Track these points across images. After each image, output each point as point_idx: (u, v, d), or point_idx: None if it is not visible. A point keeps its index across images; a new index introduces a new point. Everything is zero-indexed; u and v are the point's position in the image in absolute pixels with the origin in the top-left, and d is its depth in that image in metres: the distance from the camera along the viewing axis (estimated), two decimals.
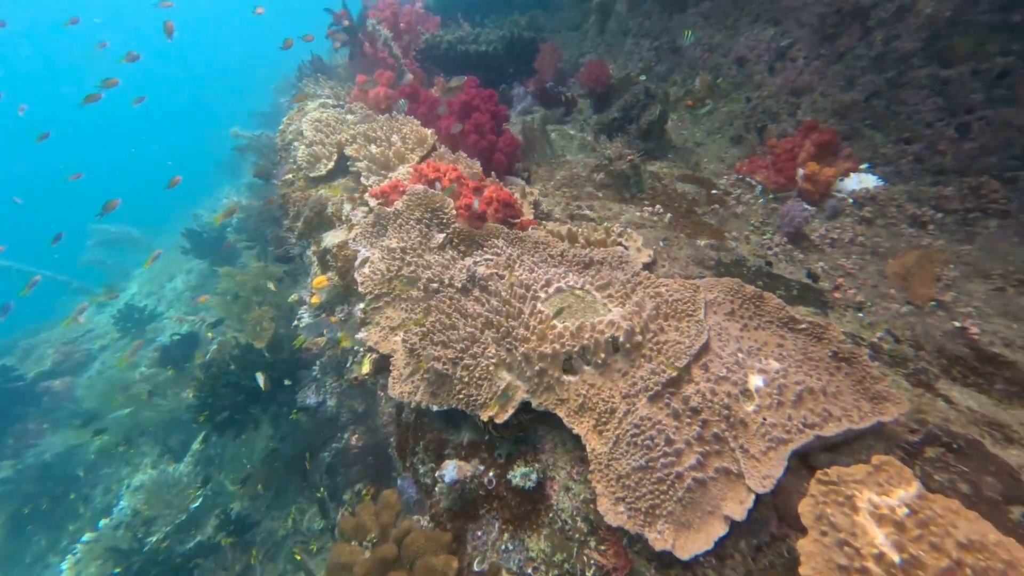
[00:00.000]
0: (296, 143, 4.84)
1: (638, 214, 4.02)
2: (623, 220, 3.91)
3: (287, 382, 4.92)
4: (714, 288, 2.56)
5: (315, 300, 4.06)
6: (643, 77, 7.33)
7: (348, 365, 3.96)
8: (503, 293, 2.83)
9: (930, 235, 3.63)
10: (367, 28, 7.36)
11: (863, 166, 4.42)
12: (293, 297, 5.10)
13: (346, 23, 7.67)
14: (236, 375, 4.67)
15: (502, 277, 3.06)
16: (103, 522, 6.05)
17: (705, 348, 2.17)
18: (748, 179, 4.68)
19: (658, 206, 4.03)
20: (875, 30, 4.72)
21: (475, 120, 4.53)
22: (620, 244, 3.43)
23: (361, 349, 3.79)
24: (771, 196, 4.40)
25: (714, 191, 4.59)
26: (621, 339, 2.33)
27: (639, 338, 2.33)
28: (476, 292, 3.16)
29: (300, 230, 4.33)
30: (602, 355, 2.35)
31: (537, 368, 2.44)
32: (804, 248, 3.64)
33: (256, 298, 5.30)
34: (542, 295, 2.76)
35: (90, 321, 10.39)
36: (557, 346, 2.43)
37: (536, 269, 3.02)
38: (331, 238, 4.14)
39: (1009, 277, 3.19)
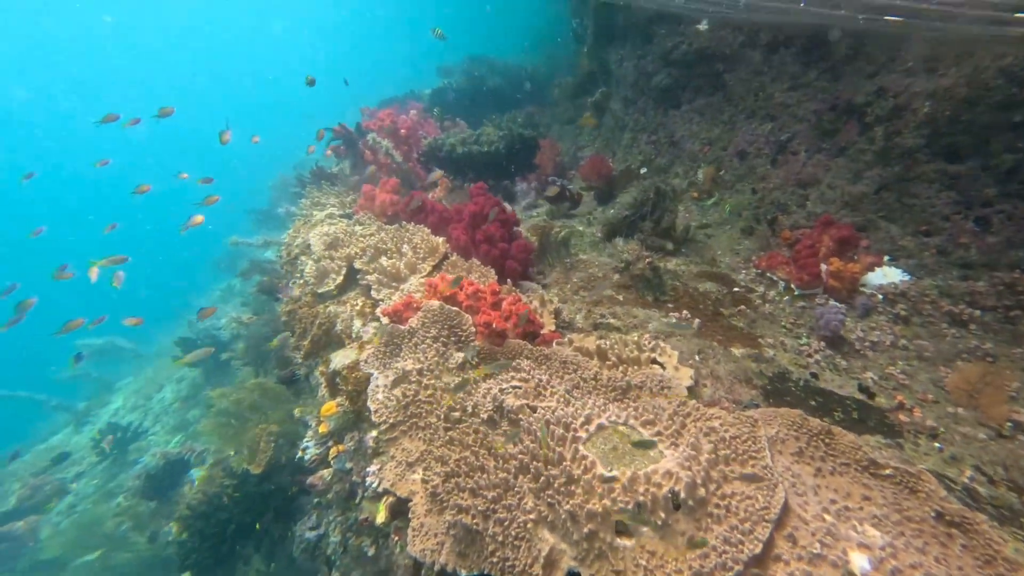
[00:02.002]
0: (303, 257, 4.74)
1: (665, 321, 3.84)
2: (651, 328, 3.73)
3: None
4: (773, 421, 2.32)
5: (323, 428, 3.77)
6: (644, 170, 7.50)
7: (357, 501, 3.60)
8: (538, 433, 2.57)
9: (974, 336, 3.44)
10: (366, 139, 7.59)
11: (884, 258, 4.34)
12: (297, 410, 4.78)
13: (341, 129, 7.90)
14: (229, 510, 4.24)
15: (534, 410, 2.81)
16: None
17: (785, 509, 1.89)
18: (769, 275, 4.58)
19: (685, 312, 3.87)
20: (874, 126, 4.83)
21: (486, 230, 4.47)
22: (654, 359, 3.23)
23: (371, 480, 3.44)
24: (796, 293, 4.26)
25: (736, 289, 4.46)
26: (682, 494, 2.05)
27: (702, 492, 2.05)
28: (505, 426, 2.89)
29: (307, 349, 4.12)
30: (661, 514, 2.06)
31: (586, 530, 2.13)
32: (845, 354, 3.44)
33: (254, 416, 4.97)
34: (583, 435, 2.49)
35: (67, 443, 9.69)
36: (608, 503, 2.14)
37: (572, 401, 2.78)
38: (341, 358, 3.91)
39: None
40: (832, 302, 4.08)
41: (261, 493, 4.49)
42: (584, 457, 2.36)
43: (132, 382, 11.52)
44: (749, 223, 5.67)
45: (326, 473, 3.91)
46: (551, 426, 2.57)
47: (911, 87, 4.54)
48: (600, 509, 2.13)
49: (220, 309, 11.92)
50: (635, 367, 3.14)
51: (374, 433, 3.53)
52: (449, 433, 3.08)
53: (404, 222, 4.89)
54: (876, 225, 4.64)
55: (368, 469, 3.35)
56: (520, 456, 2.56)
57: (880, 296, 4.00)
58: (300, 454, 3.89)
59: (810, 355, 3.40)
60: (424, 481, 2.85)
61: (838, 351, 3.46)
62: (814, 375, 3.15)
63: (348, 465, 3.79)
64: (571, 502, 2.23)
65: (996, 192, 4.02)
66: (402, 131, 7.82)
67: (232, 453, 5.05)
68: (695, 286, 4.51)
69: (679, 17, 7.30)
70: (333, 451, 3.83)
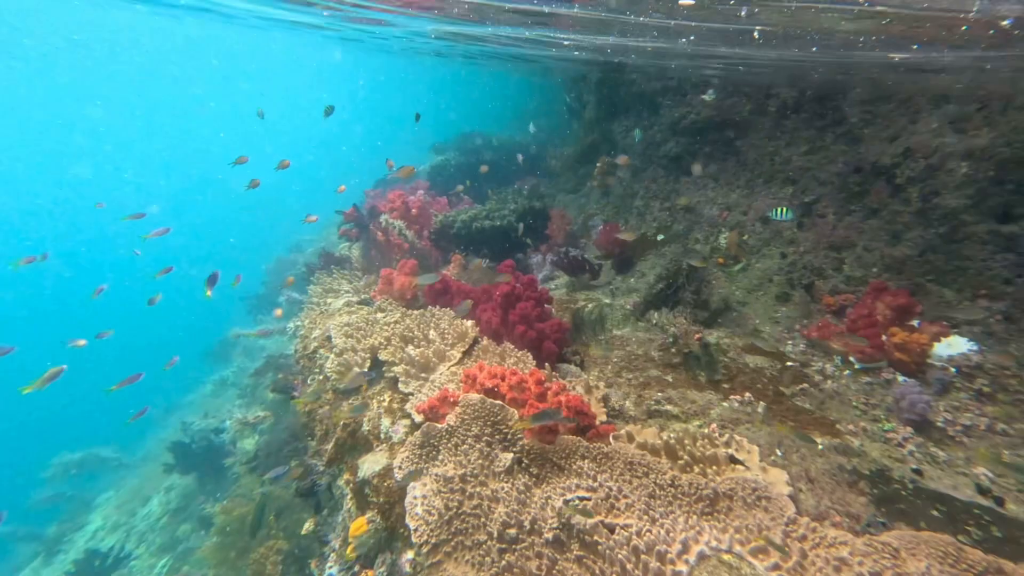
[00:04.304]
0: (322, 351, 4.42)
1: (726, 405, 3.50)
2: (713, 416, 3.38)
3: None
4: (918, 551, 1.94)
5: (351, 552, 3.28)
6: (660, 236, 7.38)
7: None
8: (627, 563, 2.17)
9: None
10: (378, 221, 7.51)
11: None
12: (308, 524, 4.24)
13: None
14: None
15: (612, 530, 2.41)
16: None
17: None
18: (822, 346, 4.29)
19: (748, 395, 3.54)
20: (907, 187, 4.72)
21: (520, 310, 4.21)
22: (731, 456, 2.86)
23: None
24: (858, 367, 3.96)
25: (789, 363, 4.15)
26: None
27: None
28: (577, 548, 2.48)
29: (330, 454, 3.70)
30: None
31: None
32: (938, 441, 3.09)
33: (259, 533, 4.40)
34: (683, 568, 2.10)
35: None
36: None
37: (658, 518, 2.39)
38: (370, 465, 3.50)
39: None
40: (901, 377, 3.78)
41: None
42: None
43: (113, 496, 10.11)
44: (783, 289, 5.45)
45: None
46: (641, 555, 2.17)
47: (942, 148, 4.47)
48: None
49: (212, 405, 10.91)
50: (713, 467, 2.77)
51: (410, 555, 3.09)
52: (506, 557, 2.65)
53: (429, 306, 4.63)
54: (926, 289, 4.41)
55: None
56: None
57: (953, 369, 3.70)
58: None
59: (901, 444, 3.04)
60: None
61: (929, 438, 3.11)
62: (918, 472, 2.78)
63: None
64: None
65: None
66: (413, 211, 7.75)
67: None
68: (745, 361, 4.21)
69: (684, 88, 7.48)
70: None
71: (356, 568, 3.36)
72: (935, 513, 2.41)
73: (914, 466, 2.83)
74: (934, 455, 2.95)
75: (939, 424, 3.20)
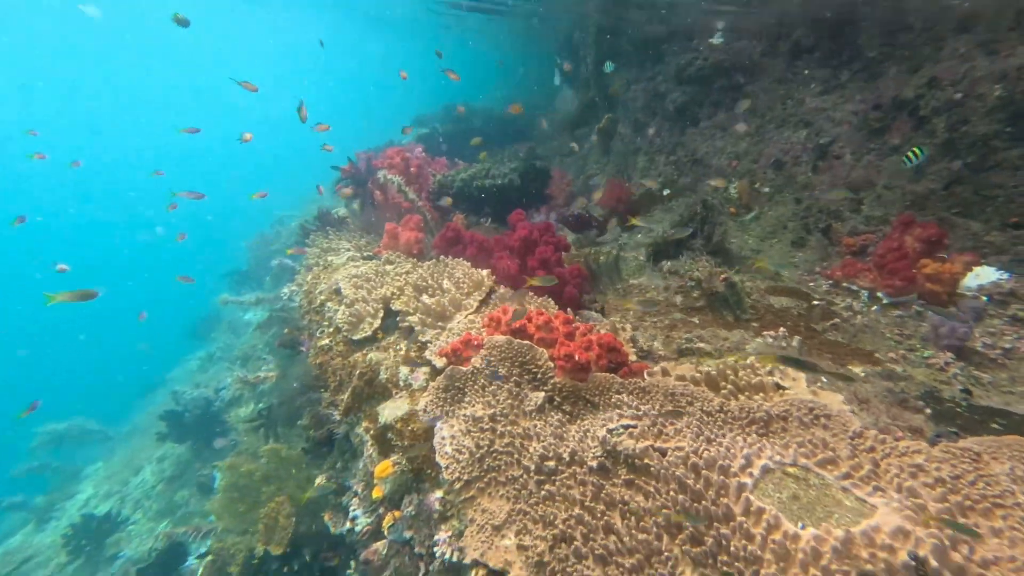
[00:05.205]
0: (330, 304, 4.22)
1: (760, 341, 3.39)
2: (750, 350, 3.27)
3: None
4: (1000, 454, 1.84)
5: (377, 492, 3.17)
6: (666, 191, 7.22)
7: None
8: (687, 479, 2.05)
9: None
10: (376, 178, 7.24)
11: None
12: (319, 481, 4.13)
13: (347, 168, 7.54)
14: None
15: (663, 453, 2.29)
16: None
17: None
18: (847, 284, 4.19)
19: (782, 330, 3.43)
20: (932, 118, 4.58)
21: (540, 255, 4.04)
22: (777, 384, 2.76)
23: (443, 551, 2.83)
24: (886, 302, 3.86)
25: (815, 302, 4.05)
26: (931, 560, 1.54)
27: (958, 557, 1.55)
28: (625, 473, 2.36)
29: (347, 403, 3.55)
30: None
31: None
32: (979, 365, 3.00)
33: (267, 488, 4.28)
34: (747, 480, 1.98)
35: (28, 545, 8.08)
36: (818, 575, 1.62)
37: (713, 437, 2.27)
38: (391, 411, 3.36)
39: None
40: (930, 308, 3.69)
41: None
42: (761, 510, 1.85)
43: (102, 467, 10.01)
44: (799, 234, 5.33)
45: (379, 546, 3.29)
46: (701, 471, 2.05)
47: (971, 72, 4.32)
48: None
49: (200, 379, 10.65)
50: (760, 394, 2.66)
51: (439, 494, 2.98)
52: (545, 487, 2.54)
53: (442, 256, 4.44)
54: (951, 223, 4.31)
55: (437, 537, 2.79)
56: (664, 511, 2.04)
57: (984, 298, 3.62)
58: (349, 525, 3.27)
59: (943, 369, 2.96)
60: (522, 548, 2.31)
61: (970, 362, 3.03)
62: (966, 391, 2.70)
63: (407, 534, 3.20)
64: (763, 573, 1.70)
65: None
66: (412, 169, 7.47)
67: (241, 535, 4.31)
68: (769, 302, 4.10)
69: (691, 33, 7.22)
70: (388, 519, 3.23)
71: (381, 510, 3.26)
72: (995, 426, 2.33)
73: (961, 386, 2.75)
74: (978, 377, 2.87)
75: (979, 349, 3.11)
